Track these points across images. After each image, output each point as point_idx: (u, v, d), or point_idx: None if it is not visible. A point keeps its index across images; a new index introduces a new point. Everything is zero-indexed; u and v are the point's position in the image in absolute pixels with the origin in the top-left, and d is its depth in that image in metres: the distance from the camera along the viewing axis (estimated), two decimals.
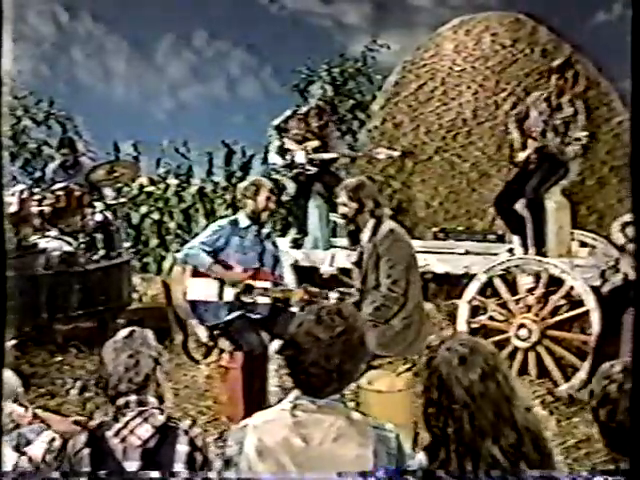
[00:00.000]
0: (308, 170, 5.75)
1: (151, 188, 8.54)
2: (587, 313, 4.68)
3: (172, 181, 8.78)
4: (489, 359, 1.82)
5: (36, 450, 2.36)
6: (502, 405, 1.79)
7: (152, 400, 2.14)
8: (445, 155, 7.03)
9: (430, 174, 7.09)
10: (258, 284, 4.19)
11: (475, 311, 5.13)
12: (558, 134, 5.08)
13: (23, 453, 2.35)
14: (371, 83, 9.58)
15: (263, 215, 4.36)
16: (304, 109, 5.94)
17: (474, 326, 5.06)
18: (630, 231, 4.74)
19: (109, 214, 5.98)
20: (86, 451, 2.04)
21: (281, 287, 4.28)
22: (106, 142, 9.02)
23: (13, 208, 5.33)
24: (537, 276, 4.97)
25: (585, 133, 5.04)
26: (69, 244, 5.43)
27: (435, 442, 1.83)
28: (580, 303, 4.78)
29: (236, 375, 4.07)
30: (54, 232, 5.55)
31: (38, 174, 8.47)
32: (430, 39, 7.36)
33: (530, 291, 5.00)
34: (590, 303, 4.64)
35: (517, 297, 5.03)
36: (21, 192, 5.65)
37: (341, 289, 4.13)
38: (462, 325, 5.02)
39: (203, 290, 4.18)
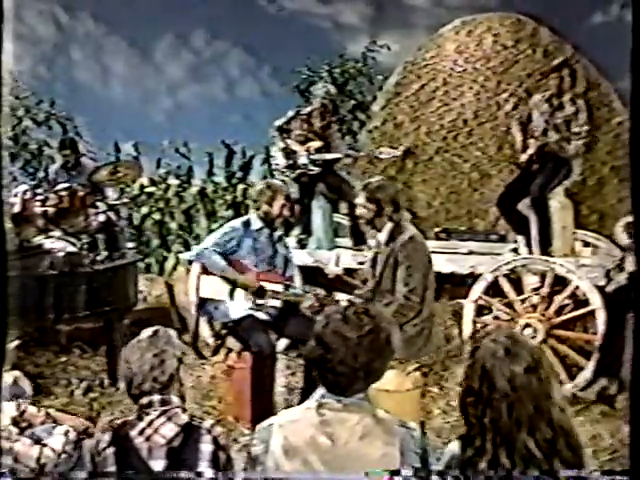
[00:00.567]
0: (311, 170, 5.76)
1: (152, 189, 8.54)
2: (592, 312, 4.71)
3: (173, 181, 8.78)
4: (534, 354, 1.87)
5: (55, 442, 2.39)
6: (541, 400, 1.83)
7: (175, 399, 2.15)
8: (446, 155, 7.04)
9: (431, 174, 7.10)
10: (269, 286, 4.19)
11: (480, 310, 5.15)
12: (559, 132, 5.11)
13: (44, 445, 2.38)
14: (372, 84, 9.59)
15: (276, 220, 4.33)
16: (307, 110, 5.94)
17: (479, 325, 5.08)
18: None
19: (112, 214, 5.97)
20: (110, 450, 2.05)
21: (292, 291, 4.27)
22: (106, 142, 9.02)
23: (16, 209, 5.32)
24: (542, 276, 5.00)
25: (585, 128, 5.07)
26: (73, 245, 5.41)
27: (471, 431, 1.87)
28: (584, 303, 4.81)
29: (244, 375, 4.07)
30: (58, 233, 5.54)
31: (39, 175, 8.46)
32: (431, 40, 7.37)
33: (535, 291, 5.03)
34: (596, 302, 4.66)
35: (522, 297, 5.06)
36: (24, 193, 5.64)
37: (350, 297, 4.12)
38: (468, 324, 5.04)
39: (214, 288, 4.18)
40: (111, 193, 6.25)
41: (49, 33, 11.45)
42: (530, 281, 5.17)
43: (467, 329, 5.04)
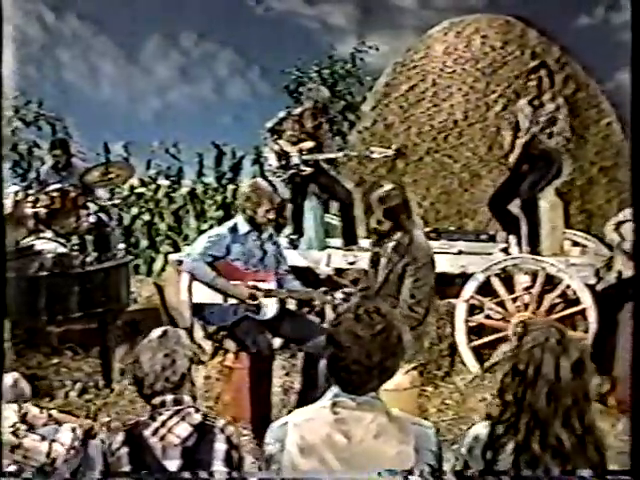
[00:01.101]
0: (303, 171, 5.77)
1: (142, 189, 8.52)
2: (583, 311, 4.77)
3: (163, 182, 8.76)
4: (583, 353, 1.94)
5: (64, 437, 2.40)
6: (580, 397, 1.90)
7: (187, 399, 2.17)
8: (436, 156, 7.11)
9: (421, 175, 7.16)
10: (262, 286, 4.18)
11: (471, 310, 5.19)
12: (542, 130, 5.17)
13: (53, 440, 2.38)
14: (361, 84, 9.61)
15: (263, 225, 4.28)
16: (298, 110, 5.94)
17: (471, 325, 5.12)
18: (624, 230, 4.84)
19: (103, 215, 5.95)
20: (124, 450, 2.05)
21: (286, 287, 4.27)
22: (95, 143, 8.97)
23: (7, 210, 5.29)
24: (533, 275, 5.05)
25: (566, 120, 5.13)
26: (64, 246, 5.39)
27: (505, 412, 1.93)
28: (574, 302, 4.87)
29: (242, 375, 4.08)
30: (49, 234, 5.51)
31: (29, 175, 8.40)
32: (420, 41, 7.44)
33: (527, 290, 5.08)
34: (587, 301, 4.72)
35: (514, 295, 5.11)
36: (15, 194, 5.61)
37: (345, 290, 4.14)
38: (460, 324, 5.08)
39: (207, 293, 4.16)
40: (102, 194, 6.24)
41: (36, 33, 11.37)
42: (522, 280, 5.21)
43: (459, 328, 5.09)
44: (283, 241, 5.93)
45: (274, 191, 4.39)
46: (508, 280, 5.24)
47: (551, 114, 5.17)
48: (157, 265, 8.19)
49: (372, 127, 7.39)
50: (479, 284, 5.07)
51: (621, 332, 4.40)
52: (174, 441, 2.06)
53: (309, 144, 5.79)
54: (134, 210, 8.42)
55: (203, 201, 8.57)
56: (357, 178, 7.18)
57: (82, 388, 4.90)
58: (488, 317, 5.20)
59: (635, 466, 2.23)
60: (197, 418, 2.13)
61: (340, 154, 6.20)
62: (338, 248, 5.97)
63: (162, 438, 2.06)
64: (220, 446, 2.08)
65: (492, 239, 5.80)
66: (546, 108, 5.21)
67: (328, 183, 5.96)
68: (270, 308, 4.18)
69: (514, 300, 5.07)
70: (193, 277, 4.20)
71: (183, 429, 2.08)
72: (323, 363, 3.69)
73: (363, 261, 5.54)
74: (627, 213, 4.85)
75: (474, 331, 5.16)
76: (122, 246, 6.01)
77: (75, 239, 5.47)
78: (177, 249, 7.87)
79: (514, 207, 5.46)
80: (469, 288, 5.08)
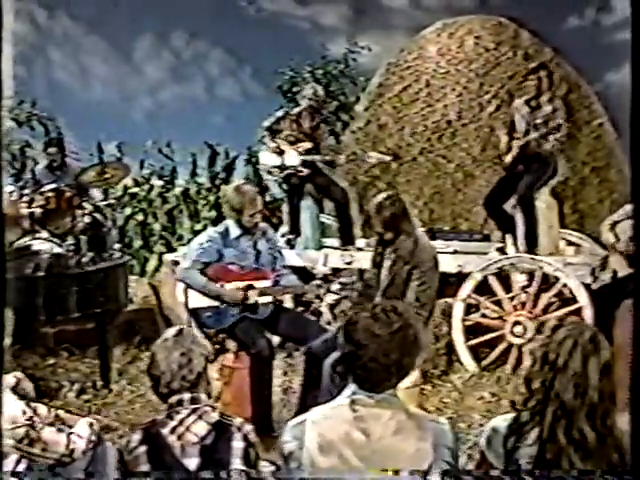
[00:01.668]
0: (301, 172, 5.77)
1: (135, 189, 8.50)
2: (579, 310, 4.81)
3: (156, 182, 8.74)
4: (613, 359, 1.97)
5: (82, 430, 2.40)
6: (606, 396, 1.92)
7: (204, 397, 2.17)
8: (430, 156, 7.12)
9: (415, 175, 7.18)
10: (258, 284, 4.17)
11: (467, 309, 5.23)
12: (539, 131, 5.21)
13: (71, 433, 2.38)
14: (354, 85, 9.63)
15: (252, 228, 4.23)
16: (296, 110, 5.95)
17: (468, 323, 5.16)
18: (619, 229, 4.89)
19: (99, 215, 5.93)
20: (142, 449, 2.06)
21: (283, 284, 4.28)
22: (88, 143, 8.93)
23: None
24: (530, 274, 5.09)
25: (562, 122, 5.17)
26: (60, 246, 5.37)
27: (530, 399, 1.96)
28: (570, 301, 4.92)
29: (242, 375, 4.08)
30: (44, 234, 5.49)
31: (23, 176, 8.34)
32: (413, 41, 7.46)
33: (523, 289, 5.12)
34: (583, 300, 4.78)
35: (511, 295, 5.15)
36: (10, 194, 5.59)
37: (342, 280, 4.16)
38: (457, 323, 5.12)
39: (204, 297, 4.15)
40: (96, 194, 6.21)
41: (28, 33, 11.32)
42: (519, 279, 5.26)
43: (456, 327, 5.12)
44: (280, 241, 5.95)
45: (261, 192, 4.35)
46: (505, 279, 5.29)
47: (548, 116, 5.21)
48: (151, 265, 8.17)
49: (365, 127, 7.40)
50: (476, 283, 5.11)
51: (617, 329, 4.44)
52: (192, 439, 2.07)
53: (307, 145, 5.80)
54: (127, 210, 8.40)
55: (196, 201, 8.57)
56: (350, 178, 7.19)
57: (80, 389, 4.89)
58: (485, 316, 5.24)
59: (636, 465, 2.25)
60: (214, 416, 2.14)
61: (341, 157, 6.20)
62: (335, 248, 5.98)
63: (180, 437, 2.07)
64: (238, 444, 2.09)
65: (486, 239, 5.84)
66: (543, 110, 5.25)
67: (324, 183, 5.97)
68: (266, 306, 4.18)
69: (511, 299, 5.11)
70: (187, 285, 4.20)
71: (201, 427, 2.09)
72: (328, 363, 3.74)
73: (360, 261, 5.58)
74: (622, 212, 4.91)
75: (471, 330, 5.20)
76: (118, 246, 6.01)
77: (73, 239, 5.44)
78: (171, 249, 7.86)
79: (508, 207, 5.50)
80: (466, 287, 5.12)
